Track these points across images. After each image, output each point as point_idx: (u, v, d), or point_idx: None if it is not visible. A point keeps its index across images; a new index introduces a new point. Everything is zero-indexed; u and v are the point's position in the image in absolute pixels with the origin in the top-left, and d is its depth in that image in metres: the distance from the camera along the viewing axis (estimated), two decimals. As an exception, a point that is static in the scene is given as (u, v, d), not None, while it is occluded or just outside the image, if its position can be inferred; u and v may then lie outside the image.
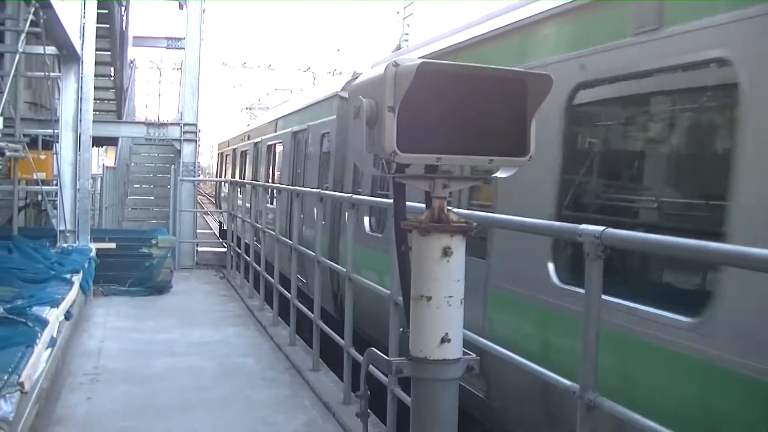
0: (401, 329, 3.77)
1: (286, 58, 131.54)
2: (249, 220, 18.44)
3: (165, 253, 18.54)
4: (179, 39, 27.93)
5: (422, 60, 3.16)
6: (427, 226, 3.40)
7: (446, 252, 3.38)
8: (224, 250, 24.63)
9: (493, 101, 3.43)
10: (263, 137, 25.40)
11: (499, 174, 3.56)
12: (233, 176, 33.79)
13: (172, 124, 24.96)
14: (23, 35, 14.12)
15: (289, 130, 19.06)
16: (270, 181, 23.35)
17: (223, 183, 35.96)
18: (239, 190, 23.46)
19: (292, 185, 18.88)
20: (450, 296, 3.40)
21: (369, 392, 3.94)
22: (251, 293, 17.74)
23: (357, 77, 3.49)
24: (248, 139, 29.67)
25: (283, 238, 14.56)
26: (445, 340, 3.40)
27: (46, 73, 17.25)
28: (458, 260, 3.41)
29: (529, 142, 3.47)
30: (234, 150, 35.41)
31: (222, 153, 46.71)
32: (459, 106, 3.35)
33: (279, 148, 21.38)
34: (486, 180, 3.65)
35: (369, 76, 3.43)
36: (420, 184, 3.49)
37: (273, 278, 14.54)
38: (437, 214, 3.44)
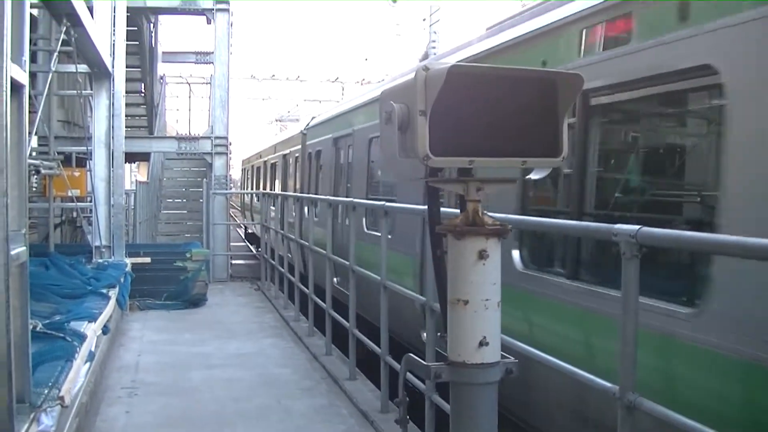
0: (438, 334, 3.75)
1: (314, 69, 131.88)
2: (292, 236, 18.03)
3: (199, 267, 18.58)
4: (208, 53, 28.04)
5: (452, 63, 3.15)
6: (462, 229, 3.38)
7: (482, 255, 3.36)
8: (258, 261, 24.67)
9: (524, 102, 3.41)
10: (291, 149, 25.36)
11: (533, 175, 3.55)
12: (262, 188, 33.84)
13: (202, 137, 25.07)
14: (56, 54, 14.22)
15: (330, 136, 18.69)
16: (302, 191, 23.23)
17: (255, 195, 35.88)
18: (273, 202, 23.28)
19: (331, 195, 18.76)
20: (487, 299, 3.37)
21: (408, 399, 3.92)
22: (286, 304, 17.75)
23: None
24: (275, 151, 29.60)
25: (320, 250, 14.49)
26: (483, 343, 3.38)
27: (79, 91, 17.39)
28: (494, 263, 3.39)
29: (561, 142, 3.45)
30: (264, 162, 35.39)
31: (246, 168, 47.04)
32: (490, 109, 3.34)
33: (323, 157, 20.79)
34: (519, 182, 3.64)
35: (400, 81, 3.42)
36: (454, 187, 3.48)
37: (307, 288, 14.55)
38: (472, 217, 3.42)
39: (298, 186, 23.74)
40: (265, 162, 33.16)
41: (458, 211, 3.53)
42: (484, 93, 3.31)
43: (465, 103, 3.27)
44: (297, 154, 23.33)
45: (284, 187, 27.29)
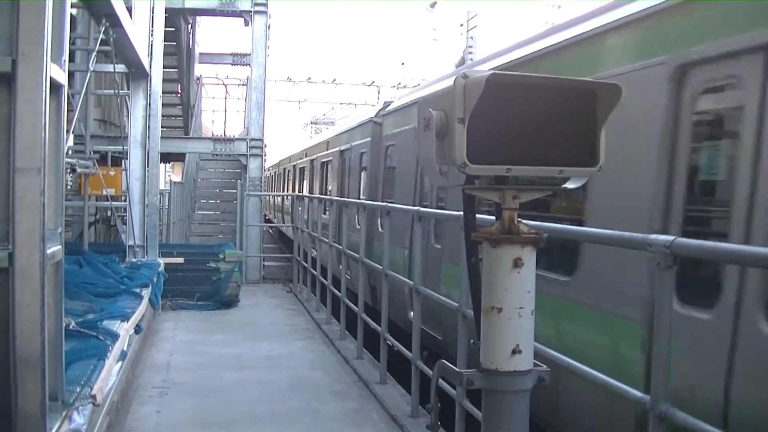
0: (471, 341, 3.76)
1: (350, 73, 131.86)
2: (327, 240, 16.89)
3: (232, 268, 18.64)
4: (245, 55, 28.20)
5: (491, 71, 3.16)
6: (498, 237, 3.39)
7: (517, 263, 3.37)
8: (290, 263, 24.71)
9: (563, 111, 3.42)
10: (352, 143, 22.94)
11: (569, 184, 3.55)
12: (294, 190, 33.83)
13: (238, 139, 25.17)
14: (94, 54, 14.30)
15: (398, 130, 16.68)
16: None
17: (287, 198, 35.93)
18: (309, 205, 22.89)
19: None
20: (521, 307, 3.38)
21: (440, 405, 3.93)
22: (318, 307, 17.78)
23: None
24: (323, 149, 28.84)
25: (353, 255, 14.49)
26: (516, 351, 3.39)
27: (116, 91, 17.46)
28: (529, 271, 3.40)
29: (599, 151, 3.45)
30: (294, 166, 35.34)
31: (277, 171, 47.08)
32: (528, 117, 3.35)
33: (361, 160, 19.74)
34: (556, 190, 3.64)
35: (439, 88, 3.43)
36: (490, 195, 3.49)
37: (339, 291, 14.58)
38: (507, 225, 3.44)
39: (362, 188, 20.03)
40: (311, 162, 31.08)
41: (493, 218, 3.55)
42: (523, 101, 3.31)
43: (503, 111, 3.28)
44: (363, 150, 19.41)
45: (325, 189, 26.14)
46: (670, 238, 4.32)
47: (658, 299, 4.47)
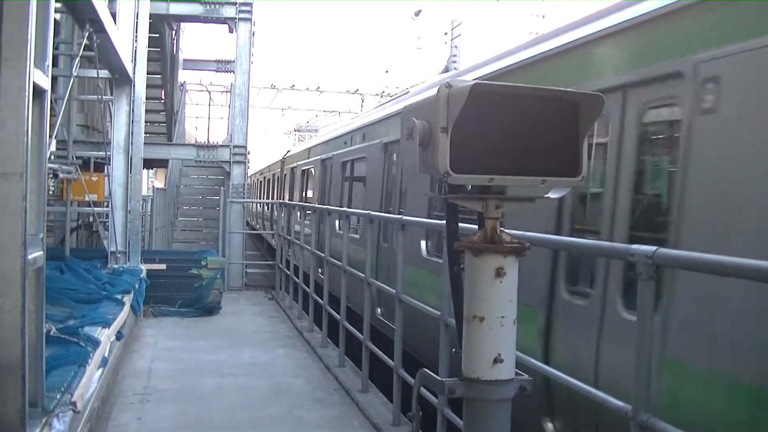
0: (453, 350, 3.77)
1: (334, 80, 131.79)
2: (309, 248, 17.76)
3: (214, 275, 18.61)
4: (229, 62, 28.13)
5: (475, 81, 3.17)
6: (481, 246, 3.40)
7: (499, 272, 3.38)
8: (272, 270, 24.70)
9: (545, 122, 3.43)
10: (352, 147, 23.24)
11: (551, 194, 3.56)
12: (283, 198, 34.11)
13: (221, 146, 25.14)
14: (77, 59, 14.27)
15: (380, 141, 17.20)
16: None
17: (272, 205, 36.14)
18: (288, 212, 23.30)
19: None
20: (503, 317, 3.39)
21: (421, 413, 3.93)
22: (300, 314, 17.77)
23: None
24: (307, 157, 29.17)
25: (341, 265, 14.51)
26: (497, 360, 3.39)
27: (99, 96, 17.45)
28: (511, 280, 3.41)
29: (581, 162, 3.47)
30: (264, 177, 36.60)
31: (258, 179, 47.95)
32: (511, 127, 3.36)
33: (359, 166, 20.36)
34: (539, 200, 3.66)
35: (422, 97, 3.44)
36: (473, 204, 3.50)
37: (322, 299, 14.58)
38: (490, 234, 3.45)
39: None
40: (290, 170, 32.86)
41: (476, 227, 3.56)
42: (506, 111, 3.33)
43: (486, 121, 3.29)
44: (363, 155, 18.83)
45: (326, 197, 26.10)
46: (652, 248, 4.33)
47: (640, 309, 4.48)
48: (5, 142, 5.35)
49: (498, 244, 3.42)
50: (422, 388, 3.98)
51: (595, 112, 3.44)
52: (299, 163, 29.19)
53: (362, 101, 63.24)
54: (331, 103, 64.96)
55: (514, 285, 3.43)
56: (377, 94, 61.48)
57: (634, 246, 4.49)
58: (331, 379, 12.36)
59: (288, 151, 36.56)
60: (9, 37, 5.36)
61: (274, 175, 39.14)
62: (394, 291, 9.86)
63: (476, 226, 3.53)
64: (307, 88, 63.12)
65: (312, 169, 25.93)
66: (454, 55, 36.95)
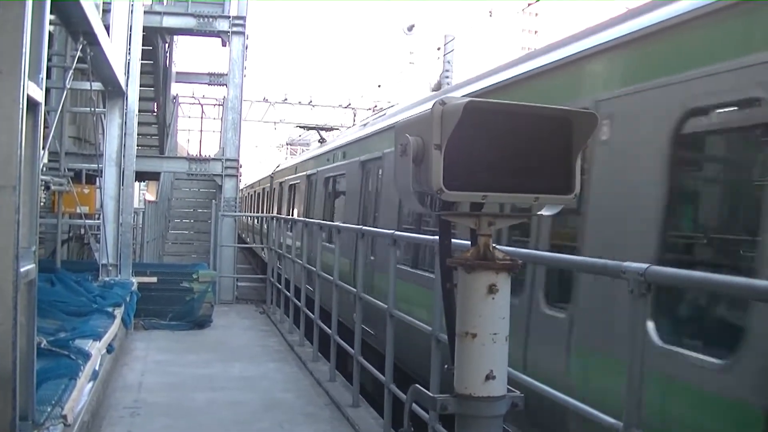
0: (445, 366, 3.77)
1: (326, 94, 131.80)
2: (301, 261, 17.95)
3: (206, 288, 18.57)
4: (222, 75, 28.14)
5: (469, 98, 3.18)
6: (473, 263, 3.42)
7: (492, 289, 3.39)
8: (263, 284, 24.68)
9: (539, 139, 3.46)
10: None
11: (544, 212, 3.57)
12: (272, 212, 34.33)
13: (213, 159, 25.15)
14: (71, 72, 14.27)
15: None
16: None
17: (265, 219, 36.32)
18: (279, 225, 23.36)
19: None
20: (495, 333, 3.41)
21: (413, 429, 3.93)
22: (291, 328, 17.73)
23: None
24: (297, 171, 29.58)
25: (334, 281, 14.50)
26: (490, 377, 3.41)
27: (92, 109, 17.42)
28: (504, 297, 3.43)
29: (574, 180, 3.48)
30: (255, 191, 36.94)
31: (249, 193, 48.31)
32: (505, 144, 3.38)
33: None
34: (530, 218, 3.67)
35: (416, 114, 3.45)
36: (466, 221, 3.51)
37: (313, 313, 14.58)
38: (483, 251, 3.46)
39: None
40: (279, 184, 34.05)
41: (469, 243, 3.57)
42: (500, 129, 3.34)
43: (480, 138, 3.31)
44: (343, 171, 19.93)
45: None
46: (644, 266, 4.33)
47: (632, 327, 4.49)
48: (-2, 154, 5.36)
49: (491, 261, 3.43)
50: (414, 404, 3.98)
51: (588, 130, 3.45)
52: (287, 178, 29.71)
53: (354, 115, 63.17)
54: (323, 117, 64.60)
55: (507, 302, 3.45)
56: (369, 109, 61.45)
57: (626, 263, 4.49)
58: (322, 393, 12.33)
59: (278, 166, 36.85)
60: (3, 49, 5.37)
61: (264, 189, 39.40)
62: (385, 306, 9.85)
63: (463, 241, 3.54)
64: (300, 102, 63.02)
65: (299, 184, 26.29)
66: (447, 71, 36.93)
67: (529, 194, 3.43)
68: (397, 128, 3.48)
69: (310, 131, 66.14)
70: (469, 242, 3.59)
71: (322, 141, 32.44)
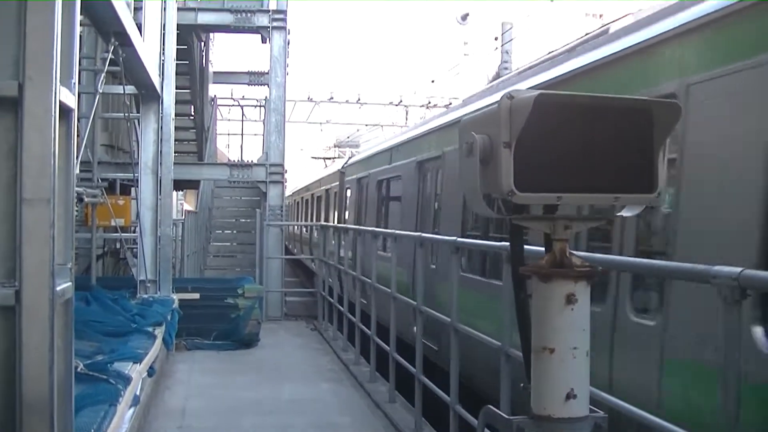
0: (521, 385, 3.73)
1: (376, 92, 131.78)
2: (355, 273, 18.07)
3: (252, 304, 18.59)
4: (262, 74, 28.21)
5: (540, 91, 3.15)
6: (549, 271, 3.38)
7: (570, 299, 3.35)
8: (314, 298, 24.71)
9: (617, 133, 3.40)
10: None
11: (625, 212, 3.53)
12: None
13: (256, 164, 25.15)
14: (103, 75, 14.35)
15: None
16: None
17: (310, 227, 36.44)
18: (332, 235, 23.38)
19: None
20: (575, 347, 3.37)
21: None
22: (345, 346, 17.74)
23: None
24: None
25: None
26: (570, 396, 3.36)
27: (125, 114, 17.51)
28: (583, 308, 3.39)
29: (656, 176, 3.43)
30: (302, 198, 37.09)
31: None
32: (580, 140, 3.34)
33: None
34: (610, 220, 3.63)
35: (482, 109, 3.42)
36: (539, 225, 3.48)
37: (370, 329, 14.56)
38: (559, 257, 3.42)
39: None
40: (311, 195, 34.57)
41: (543, 250, 3.53)
42: (573, 123, 3.30)
43: (553, 134, 3.27)
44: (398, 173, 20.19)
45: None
46: (737, 269, 4.25)
47: (726, 338, 4.40)
48: (30, 166, 5.38)
49: (568, 269, 3.40)
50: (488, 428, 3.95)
51: (671, 121, 3.40)
52: (335, 184, 29.68)
53: (407, 113, 63.13)
54: (373, 116, 64.47)
55: (587, 313, 3.40)
56: (422, 106, 61.36)
57: (717, 267, 4.40)
58: (381, 416, 12.30)
59: (326, 168, 37.23)
60: (32, 54, 5.39)
61: (313, 195, 39.45)
62: (448, 319, 9.81)
63: (537, 248, 3.50)
64: (347, 101, 63.05)
65: (350, 189, 26.33)
66: (506, 61, 36.85)
67: (608, 194, 3.39)
68: (462, 126, 3.46)
69: (360, 131, 66.17)
70: (543, 248, 3.55)
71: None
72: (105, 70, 14.22)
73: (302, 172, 75.80)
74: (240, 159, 29.61)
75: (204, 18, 24.49)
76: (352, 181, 26.49)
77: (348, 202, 27.58)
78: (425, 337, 11.76)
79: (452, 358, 9.72)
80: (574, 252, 3.48)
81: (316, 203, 37.67)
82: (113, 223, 17.77)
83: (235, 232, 30.11)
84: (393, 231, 15.19)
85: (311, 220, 37.54)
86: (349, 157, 34.11)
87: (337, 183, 29.48)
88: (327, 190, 33.03)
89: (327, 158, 75.41)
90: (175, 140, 20.63)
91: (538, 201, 3.33)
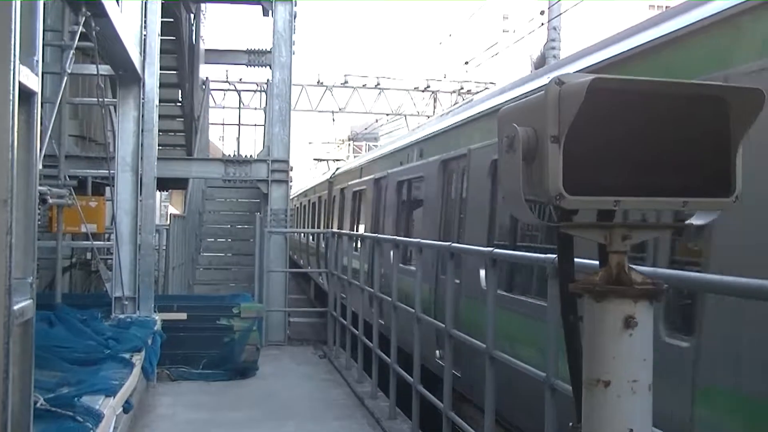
0: (570, 424, 3.72)
1: (397, 76, 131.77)
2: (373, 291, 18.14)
3: (249, 326, 18.58)
4: (264, 53, 28.17)
5: (595, 75, 3.13)
6: (604, 289, 3.36)
7: (629, 322, 3.33)
8: (323, 320, 24.71)
9: (686, 126, 3.38)
10: None
11: (695, 220, 3.51)
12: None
13: (256, 160, 25.06)
14: (72, 52, 14.31)
15: None
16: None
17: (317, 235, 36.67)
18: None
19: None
20: (634, 380, 3.35)
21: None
22: (360, 376, 17.72)
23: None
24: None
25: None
26: (629, 437, 3.36)
27: (99, 99, 17.50)
28: (645, 333, 3.37)
29: (734, 176, 3.41)
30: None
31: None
32: (642, 134, 3.32)
33: None
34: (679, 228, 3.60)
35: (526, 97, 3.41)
36: (593, 234, 3.46)
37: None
38: (616, 273, 3.40)
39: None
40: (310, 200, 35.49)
41: (597, 263, 3.52)
42: (636, 113, 3.28)
43: (610, 127, 3.26)
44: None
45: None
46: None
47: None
48: (-16, 161, 5.37)
49: (626, 286, 3.38)
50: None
51: (751, 112, 3.37)
52: (351, 183, 29.68)
53: (435, 100, 63.06)
54: (395, 103, 64.29)
55: (649, 339, 3.39)
56: (453, 92, 61.35)
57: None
58: (403, 460, 12.30)
59: (337, 169, 37.29)
60: (-13, 26, 5.39)
61: (320, 197, 39.60)
62: (483, 346, 9.80)
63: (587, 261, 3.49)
64: (364, 85, 63.03)
65: (365, 191, 26.47)
66: (553, 40, 36.77)
67: (676, 197, 3.37)
68: (501, 116, 3.44)
69: (379, 121, 66.16)
70: (597, 262, 3.54)
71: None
72: (74, 46, 14.18)
73: (310, 169, 75.76)
74: (236, 154, 29.59)
75: (194, -16, 24.53)
76: (349, 187, 27.32)
77: (359, 206, 27.84)
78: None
79: (487, 391, 9.70)
80: (635, 266, 3.46)
81: (327, 206, 37.71)
82: (83, 229, 17.79)
83: (230, 240, 30.10)
84: (418, 240, 15.17)
85: (323, 225, 37.51)
86: (337, 168, 35.67)
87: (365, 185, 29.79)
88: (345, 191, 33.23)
89: (331, 160, 75.28)
90: (160, 131, 20.68)
91: (592, 205, 3.32)
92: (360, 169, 28.88)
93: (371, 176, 25.41)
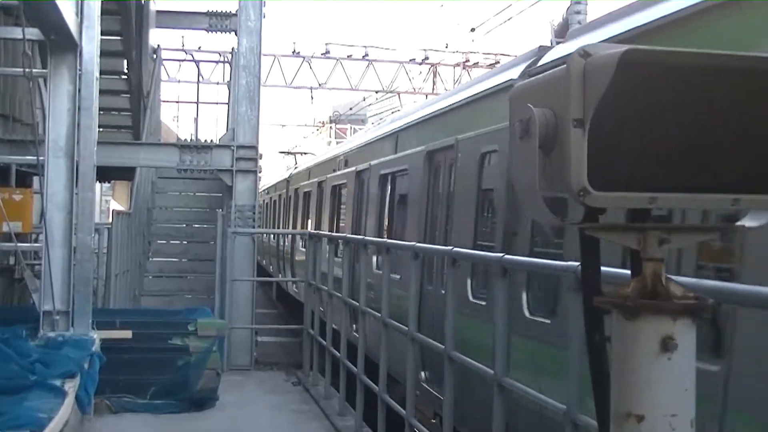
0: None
1: (388, 45, 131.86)
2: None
3: (208, 346, 18.55)
4: (228, 16, 28.13)
5: (628, 46, 3.13)
6: (637, 303, 3.36)
7: (667, 344, 3.33)
8: (298, 339, 24.72)
9: (735, 108, 3.33)
10: None
11: (748, 221, 3.50)
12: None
13: (218, 146, 24.98)
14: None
15: None
16: None
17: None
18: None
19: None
20: (673, 415, 3.35)
21: None
22: (342, 408, 17.72)
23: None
24: None
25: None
26: (668, 482, 3.37)
27: (25, 69, 17.47)
28: (686, 358, 3.36)
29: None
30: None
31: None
32: (683, 117, 3.29)
33: None
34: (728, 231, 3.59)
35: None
36: (624, 238, 3.45)
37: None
38: (651, 284, 3.40)
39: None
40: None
41: (629, 273, 3.52)
42: (677, 93, 3.25)
43: (645, 109, 3.23)
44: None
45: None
46: None
47: None
48: None
49: (664, 300, 3.38)
50: None
51: None
52: (327, 177, 30.02)
53: (435, 75, 63.06)
54: (386, 78, 64.03)
55: (691, 364, 3.38)
56: (457, 65, 61.34)
57: None
58: None
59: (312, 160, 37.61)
60: None
61: (297, 191, 39.62)
62: (490, 371, 9.84)
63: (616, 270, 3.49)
64: (349, 56, 62.96)
65: (345, 185, 26.77)
66: (578, 2, 36.80)
67: (724, 194, 3.35)
68: (513, 95, 3.44)
69: (367, 100, 66.18)
70: (629, 271, 3.54)
71: None
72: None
73: (284, 157, 75.64)
74: (194, 138, 29.59)
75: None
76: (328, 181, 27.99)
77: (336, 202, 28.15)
78: (434, 385, 11.94)
79: (495, 421, 9.71)
80: (673, 277, 3.46)
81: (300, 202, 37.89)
82: (5, 229, 17.78)
83: (185, 242, 30.06)
84: (421, 245, 15.16)
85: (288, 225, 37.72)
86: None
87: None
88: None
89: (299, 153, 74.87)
90: (100, 109, 20.62)
91: (623, 203, 3.31)
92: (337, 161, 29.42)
93: (353, 168, 25.96)
